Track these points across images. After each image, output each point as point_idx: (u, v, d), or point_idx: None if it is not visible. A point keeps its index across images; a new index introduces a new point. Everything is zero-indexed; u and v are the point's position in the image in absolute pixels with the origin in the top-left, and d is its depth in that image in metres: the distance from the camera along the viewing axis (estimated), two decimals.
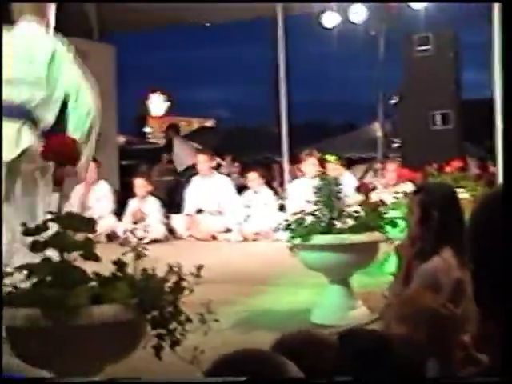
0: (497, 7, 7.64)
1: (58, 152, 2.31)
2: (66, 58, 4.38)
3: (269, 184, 9.91)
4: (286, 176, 10.37)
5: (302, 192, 8.58)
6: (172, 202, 10.30)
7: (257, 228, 8.70)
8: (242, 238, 8.72)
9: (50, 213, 2.44)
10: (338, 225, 4.04)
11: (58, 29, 10.25)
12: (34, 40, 4.28)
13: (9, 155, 3.64)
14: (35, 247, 2.39)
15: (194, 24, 13.11)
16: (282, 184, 10.86)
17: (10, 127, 3.73)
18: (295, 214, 4.16)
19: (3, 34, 4.11)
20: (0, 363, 2.03)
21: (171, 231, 9.07)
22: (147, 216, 8.93)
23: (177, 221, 9.11)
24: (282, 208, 9.09)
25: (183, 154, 11.79)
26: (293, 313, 4.52)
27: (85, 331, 2.22)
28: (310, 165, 8.70)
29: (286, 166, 10.49)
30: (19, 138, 3.64)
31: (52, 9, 4.56)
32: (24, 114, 3.84)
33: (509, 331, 2.66)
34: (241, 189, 9.95)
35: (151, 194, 9.25)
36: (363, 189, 7.52)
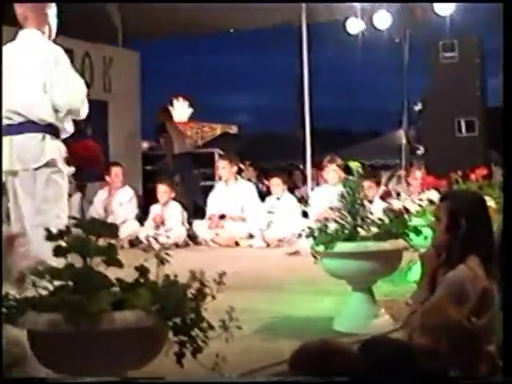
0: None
1: (83, 157, 2.30)
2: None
3: (291, 190, 9.90)
4: (309, 182, 10.35)
5: (324, 199, 8.57)
6: (195, 208, 10.32)
7: (279, 234, 8.68)
8: (265, 244, 8.71)
9: (73, 218, 2.44)
10: (362, 232, 4.01)
11: (83, 35, 10.37)
12: (37, 53, 4.48)
13: (33, 164, 4.06)
14: (58, 252, 2.39)
15: (219, 30, 13.13)
16: (304, 190, 10.84)
17: (33, 138, 4.11)
18: (318, 220, 4.13)
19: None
20: (0, 361, 2.02)
21: (193, 237, 9.09)
22: (167, 221, 8.96)
23: (199, 226, 9.12)
24: (304, 214, 9.07)
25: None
26: (314, 320, 4.49)
27: (107, 337, 2.21)
28: (331, 171, 8.68)
29: (309, 172, 10.47)
30: (43, 149, 4.01)
31: (53, 17, 4.80)
32: (45, 128, 4.13)
33: (509, 331, 2.63)
34: (262, 194, 9.96)
35: (174, 199, 9.28)
36: (387, 196, 7.48)
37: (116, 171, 9.23)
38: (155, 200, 9.49)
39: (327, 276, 4.43)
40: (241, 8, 11.02)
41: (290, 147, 16.87)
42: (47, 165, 4.01)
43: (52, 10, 4.81)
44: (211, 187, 10.36)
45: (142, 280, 2.44)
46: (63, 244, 2.38)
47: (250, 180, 10.12)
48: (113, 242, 2.45)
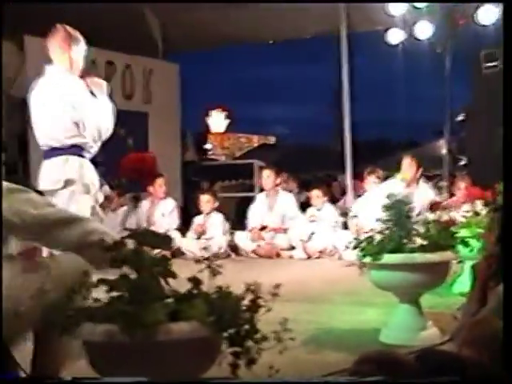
0: None
1: (139, 169, 2.32)
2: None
3: (331, 201, 9.88)
4: (349, 194, 10.32)
5: (365, 210, 8.54)
6: (236, 219, 10.36)
7: (320, 246, 8.66)
8: (306, 255, 8.70)
9: (127, 229, 2.46)
10: (409, 243, 3.99)
11: (124, 47, 10.49)
12: (62, 86, 5.08)
13: (56, 185, 4.87)
14: (113, 263, 2.41)
15: (258, 42, 13.18)
16: (343, 201, 10.80)
17: (58, 160, 4.88)
18: (365, 232, 4.12)
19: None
20: (0, 363, 2.03)
21: (234, 248, 9.12)
22: (209, 231, 9.01)
23: (240, 237, 9.15)
24: (345, 226, 9.05)
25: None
26: (360, 332, 4.47)
27: (162, 347, 2.22)
28: (371, 183, 8.68)
29: (350, 183, 10.44)
30: (64, 170, 4.87)
31: (79, 53, 5.34)
32: (73, 152, 4.93)
33: (509, 331, 2.59)
34: (302, 206, 9.96)
35: (216, 210, 9.32)
36: (435, 207, 7.43)
37: (160, 182, 9.30)
38: (196, 210, 9.54)
39: (370, 287, 4.42)
40: (280, 19, 11.06)
41: (327, 158, 16.84)
42: (68, 184, 4.85)
43: (79, 47, 5.36)
44: (249, 198, 10.38)
45: (195, 291, 2.45)
46: (118, 255, 2.40)
47: (290, 191, 10.12)
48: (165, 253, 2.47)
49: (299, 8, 10.56)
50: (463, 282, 5.12)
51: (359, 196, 9.84)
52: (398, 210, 4.00)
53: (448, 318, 4.17)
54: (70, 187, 4.88)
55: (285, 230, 9.13)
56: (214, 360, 2.35)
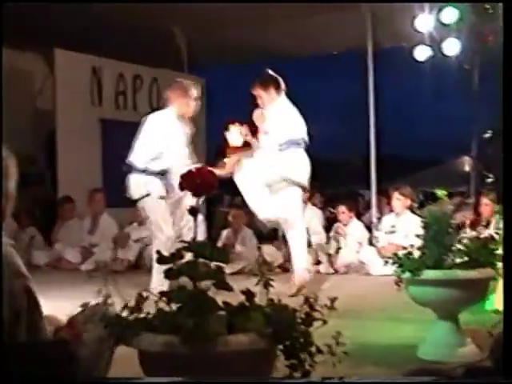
0: None
1: (197, 183, 2.35)
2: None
3: (358, 217, 9.88)
4: (374, 210, 10.31)
5: (391, 226, 8.55)
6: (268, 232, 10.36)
7: (347, 260, 8.66)
8: (332, 270, 8.70)
9: (184, 241, 2.49)
10: (448, 260, 3.99)
11: (151, 61, 10.55)
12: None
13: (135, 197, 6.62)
14: (169, 275, 2.44)
15: (283, 57, 13.22)
16: (368, 217, 10.78)
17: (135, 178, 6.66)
18: (403, 248, 4.13)
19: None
20: (0, 361, 2.03)
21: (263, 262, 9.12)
22: (239, 246, 9.04)
23: (268, 251, 9.16)
24: (371, 241, 9.04)
25: None
26: (396, 348, 4.46)
27: (221, 359, 2.25)
28: (395, 199, 8.70)
29: (374, 199, 10.42)
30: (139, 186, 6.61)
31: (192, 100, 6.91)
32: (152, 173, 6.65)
33: (509, 331, 2.59)
34: (328, 221, 9.96)
35: (246, 224, 9.35)
36: (476, 224, 7.42)
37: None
38: (216, 224, 9.57)
39: (403, 303, 4.41)
40: (305, 34, 11.11)
41: (350, 173, 16.85)
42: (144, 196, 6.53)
43: (193, 92, 6.88)
44: None
45: (248, 304, 2.48)
46: (174, 267, 2.43)
47: (315, 206, 10.11)
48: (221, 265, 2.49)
49: (325, 23, 10.60)
50: (496, 300, 5.10)
51: (382, 212, 9.84)
52: (438, 227, 4.00)
53: (483, 334, 4.15)
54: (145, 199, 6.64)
55: (311, 245, 9.12)
56: (271, 372, 2.38)
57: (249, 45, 11.63)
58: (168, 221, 6.70)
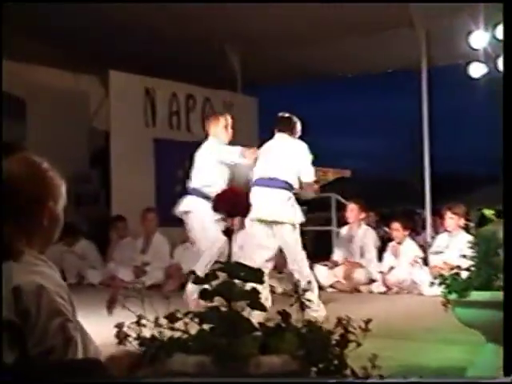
0: None
1: (231, 204, 2.34)
2: None
3: (411, 236, 9.76)
4: (428, 229, 10.17)
5: (445, 246, 8.43)
6: (314, 253, 10.32)
7: (400, 279, 8.55)
8: (385, 288, 8.61)
9: (219, 262, 2.49)
10: (497, 281, 3.90)
11: (204, 81, 10.63)
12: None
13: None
14: (204, 295, 2.43)
15: (336, 75, 13.21)
16: (423, 236, 10.64)
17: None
18: (451, 268, 4.05)
19: None
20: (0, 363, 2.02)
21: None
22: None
23: (319, 271, 9.11)
24: (425, 261, 8.91)
25: None
26: (444, 370, 4.37)
27: (252, 380, 2.22)
28: (448, 219, 8.61)
29: (429, 218, 10.29)
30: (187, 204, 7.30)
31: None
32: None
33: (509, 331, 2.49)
34: (382, 240, 9.87)
35: None
36: None
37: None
38: None
39: (453, 324, 4.32)
40: (359, 53, 11.08)
41: (406, 192, 16.68)
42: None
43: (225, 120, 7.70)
44: (326, 231, 10.34)
45: (284, 325, 2.45)
46: (209, 287, 2.42)
47: (369, 225, 10.04)
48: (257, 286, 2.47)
49: (379, 42, 10.56)
50: None
51: (437, 231, 9.71)
52: (487, 247, 3.92)
53: None
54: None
55: (363, 265, 9.05)
56: None
57: (302, 64, 11.65)
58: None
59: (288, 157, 7.12)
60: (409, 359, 4.71)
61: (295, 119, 7.49)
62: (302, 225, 12.72)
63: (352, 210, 9.34)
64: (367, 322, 2.33)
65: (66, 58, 12.06)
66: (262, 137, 12.39)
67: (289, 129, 7.38)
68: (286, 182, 6.95)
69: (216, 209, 2.45)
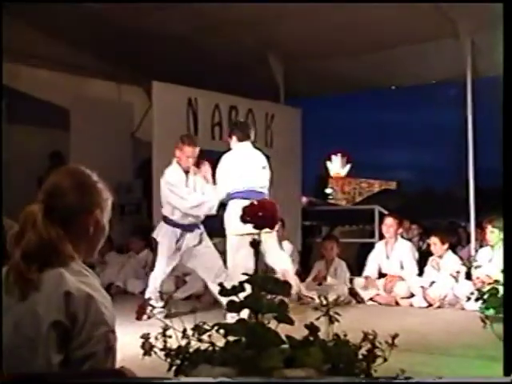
0: None
1: (261, 216, 2.35)
2: None
3: (454, 249, 9.63)
4: (472, 243, 10.02)
5: (488, 260, 8.30)
6: (356, 265, 10.26)
7: (441, 294, 8.43)
8: (426, 303, 8.50)
9: (246, 274, 2.48)
10: None
11: (246, 93, 10.67)
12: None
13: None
14: (231, 307, 2.43)
15: (380, 87, 13.13)
16: (467, 250, 10.49)
17: None
18: (489, 283, 3.98)
19: None
20: (0, 363, 2.03)
21: (354, 294, 9.03)
22: (331, 278, 8.99)
23: (358, 283, 9.06)
24: (468, 275, 8.78)
25: None
26: None
27: None
28: (489, 233, 8.49)
29: (473, 232, 10.14)
30: None
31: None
32: None
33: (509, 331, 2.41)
34: (425, 253, 9.76)
35: (338, 256, 9.28)
36: None
37: (279, 226, 9.33)
38: (313, 255, 9.50)
39: (495, 341, 4.24)
40: (404, 65, 11.00)
41: (451, 205, 16.46)
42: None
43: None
44: (370, 244, 10.26)
45: (311, 338, 2.44)
46: (236, 300, 2.42)
47: (410, 239, 9.94)
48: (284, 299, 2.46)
49: (423, 53, 10.48)
50: None
51: (482, 245, 9.55)
52: None
53: None
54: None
55: (403, 279, 8.95)
56: None
57: (345, 75, 11.61)
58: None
59: (265, 168, 7.48)
60: (449, 376, 4.63)
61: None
62: (344, 237, 12.71)
63: (391, 226, 9.22)
64: (394, 337, 2.31)
65: (111, 70, 12.23)
66: (305, 147, 12.41)
67: (250, 137, 7.60)
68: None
69: (244, 220, 2.46)
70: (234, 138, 7.57)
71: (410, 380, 2.26)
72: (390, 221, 9.26)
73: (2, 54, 5.99)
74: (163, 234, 7.42)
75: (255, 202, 2.44)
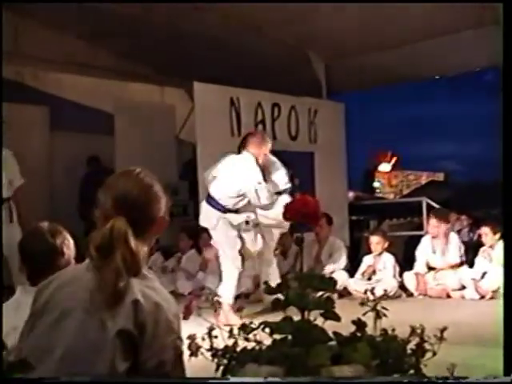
0: None
1: (303, 213, 2.33)
2: None
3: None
4: None
5: None
6: (405, 258, 10.15)
7: (494, 285, 8.30)
8: (478, 295, 8.38)
9: (290, 272, 2.47)
10: None
11: (289, 90, 10.66)
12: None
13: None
14: (276, 305, 2.42)
15: (424, 77, 12.97)
16: None
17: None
18: None
19: None
20: (0, 363, 2.04)
21: (404, 288, 8.95)
22: (379, 272, 8.92)
23: (407, 278, 8.97)
24: None
25: None
26: None
27: None
28: None
29: None
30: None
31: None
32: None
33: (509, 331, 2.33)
34: (476, 244, 9.63)
35: (387, 250, 9.20)
36: None
37: (323, 222, 9.29)
38: (362, 250, 9.43)
39: None
40: (444, 54, 10.85)
41: (500, 195, 16.20)
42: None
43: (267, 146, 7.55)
44: (419, 237, 10.15)
45: (358, 334, 2.41)
46: (281, 297, 2.41)
47: (460, 231, 9.79)
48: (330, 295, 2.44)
49: (464, 41, 10.33)
50: None
51: None
52: None
53: None
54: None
55: (454, 270, 8.84)
56: None
57: (387, 68, 11.50)
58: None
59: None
60: (501, 368, 4.55)
61: None
62: (392, 231, 12.60)
63: (435, 226, 9.08)
64: (442, 330, 2.27)
65: (153, 73, 12.33)
66: (348, 142, 12.34)
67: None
68: None
69: (286, 218, 2.44)
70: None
71: (407, 380, 2.23)
72: (433, 222, 9.12)
73: (2, 54, 6.23)
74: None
75: (297, 199, 2.42)
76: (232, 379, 2.21)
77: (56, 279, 2.32)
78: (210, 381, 2.23)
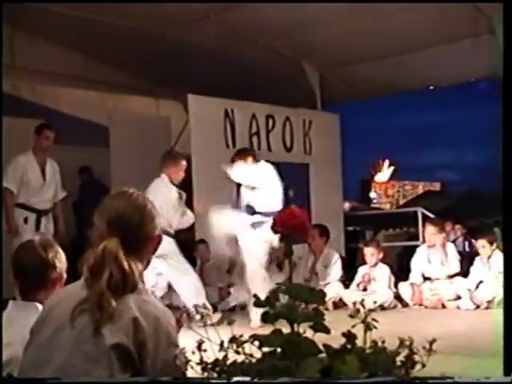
0: None
1: (291, 225, 2.33)
2: None
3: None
4: None
5: None
6: (400, 268, 10.16)
7: (489, 295, 8.31)
8: (473, 305, 8.38)
9: (279, 284, 2.46)
10: None
11: (283, 101, 10.68)
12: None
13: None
14: (266, 318, 2.42)
15: (418, 88, 13.00)
16: None
17: None
18: None
19: None
20: (0, 363, 2.07)
21: (399, 298, 8.95)
22: (374, 283, 8.92)
23: (403, 288, 8.97)
24: None
25: None
26: None
27: None
28: None
29: None
30: None
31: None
32: None
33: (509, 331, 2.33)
34: (471, 254, 9.64)
35: (381, 260, 9.20)
36: None
37: (314, 233, 9.29)
38: (358, 261, 9.42)
39: None
40: (439, 65, 10.89)
41: (496, 204, 16.24)
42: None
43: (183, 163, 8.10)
44: (415, 247, 10.16)
45: (349, 346, 2.41)
46: (271, 310, 2.40)
47: (455, 241, 9.81)
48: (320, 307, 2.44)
49: (460, 51, 10.36)
50: None
51: None
52: None
53: None
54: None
55: (450, 281, 8.84)
56: None
57: (382, 78, 11.54)
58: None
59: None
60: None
61: None
62: (388, 241, 12.59)
63: (432, 234, 9.10)
64: (431, 342, 2.27)
65: (149, 85, 12.34)
66: (344, 152, 12.34)
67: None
68: None
69: (275, 231, 2.43)
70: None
71: (407, 380, 2.24)
72: (431, 229, 9.13)
73: (2, 56, 6.33)
74: None
75: (286, 211, 2.42)
76: (232, 379, 2.22)
77: (55, 296, 2.43)
78: (211, 381, 2.25)
